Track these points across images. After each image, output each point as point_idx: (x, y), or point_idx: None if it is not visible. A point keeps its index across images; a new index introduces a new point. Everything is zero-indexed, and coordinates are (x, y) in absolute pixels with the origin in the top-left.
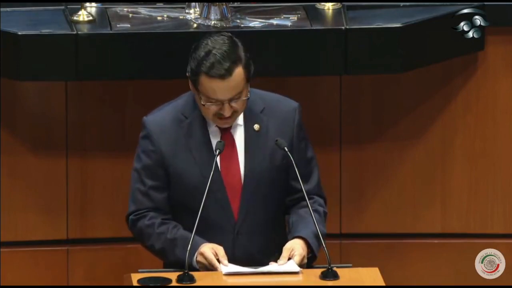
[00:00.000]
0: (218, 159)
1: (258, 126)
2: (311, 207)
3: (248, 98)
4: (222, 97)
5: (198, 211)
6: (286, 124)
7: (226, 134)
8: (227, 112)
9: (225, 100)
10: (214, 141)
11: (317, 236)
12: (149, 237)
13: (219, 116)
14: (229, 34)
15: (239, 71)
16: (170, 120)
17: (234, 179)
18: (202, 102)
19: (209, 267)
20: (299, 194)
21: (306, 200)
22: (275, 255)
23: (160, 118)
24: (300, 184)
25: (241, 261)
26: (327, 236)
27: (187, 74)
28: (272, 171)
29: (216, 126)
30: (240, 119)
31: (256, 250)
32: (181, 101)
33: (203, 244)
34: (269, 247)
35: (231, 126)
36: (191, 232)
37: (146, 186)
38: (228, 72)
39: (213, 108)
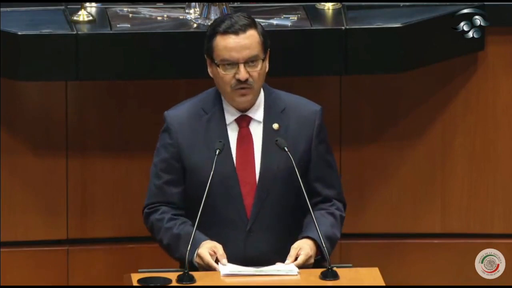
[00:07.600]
0: (234, 155)
1: (278, 125)
2: (328, 210)
3: (266, 71)
4: (236, 54)
5: (210, 206)
6: (306, 126)
7: (244, 131)
8: (242, 74)
9: (240, 59)
10: (232, 138)
11: (328, 238)
12: (158, 231)
13: (236, 85)
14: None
15: (254, 32)
16: (189, 115)
17: (249, 176)
18: (218, 67)
19: (208, 268)
20: (319, 197)
21: (325, 204)
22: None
23: (180, 112)
24: (300, 182)
25: (252, 259)
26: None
27: (204, 54)
28: (288, 170)
29: (235, 121)
30: (260, 117)
31: (267, 248)
32: (203, 96)
33: (202, 244)
34: (281, 246)
35: (249, 122)
36: (201, 228)
37: (161, 180)
38: (243, 29)
39: (230, 74)
